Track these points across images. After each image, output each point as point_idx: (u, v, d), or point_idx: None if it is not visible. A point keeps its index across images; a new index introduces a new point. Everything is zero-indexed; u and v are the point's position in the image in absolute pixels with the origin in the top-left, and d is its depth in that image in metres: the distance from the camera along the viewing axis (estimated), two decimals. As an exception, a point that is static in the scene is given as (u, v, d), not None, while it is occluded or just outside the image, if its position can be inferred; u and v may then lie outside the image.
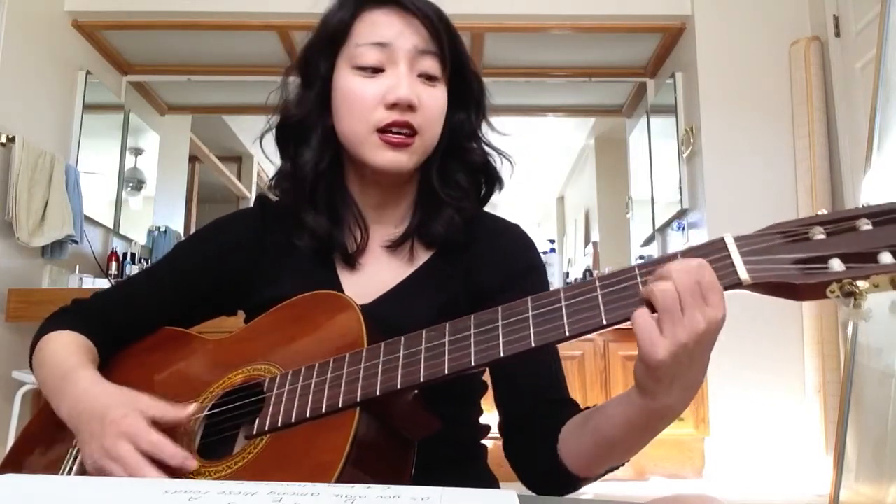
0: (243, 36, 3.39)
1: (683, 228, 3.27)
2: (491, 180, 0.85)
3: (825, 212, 0.54)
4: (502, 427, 0.78)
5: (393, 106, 0.74)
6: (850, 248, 0.50)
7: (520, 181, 5.58)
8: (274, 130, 0.83)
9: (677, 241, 3.36)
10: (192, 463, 0.62)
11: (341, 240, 0.80)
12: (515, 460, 0.75)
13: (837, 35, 2.80)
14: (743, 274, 0.51)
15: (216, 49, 3.59)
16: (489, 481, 0.81)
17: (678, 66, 3.40)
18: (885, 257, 0.48)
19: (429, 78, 0.76)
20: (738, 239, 0.53)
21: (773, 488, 2.69)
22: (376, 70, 0.75)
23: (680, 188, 3.27)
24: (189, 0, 3.25)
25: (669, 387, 0.54)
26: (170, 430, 0.64)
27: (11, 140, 2.73)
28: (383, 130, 0.74)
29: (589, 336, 3.29)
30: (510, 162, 0.86)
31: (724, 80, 3.11)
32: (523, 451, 0.74)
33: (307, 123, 0.80)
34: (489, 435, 0.85)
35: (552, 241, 4.27)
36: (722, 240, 0.53)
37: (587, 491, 0.73)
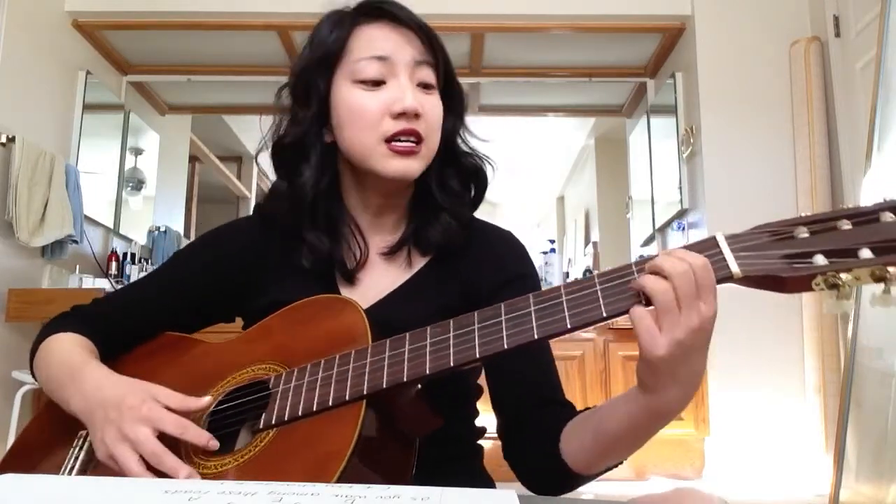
0: (243, 36, 3.39)
1: (683, 228, 3.27)
2: (482, 185, 0.88)
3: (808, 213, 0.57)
4: (501, 429, 0.79)
5: (400, 115, 0.76)
6: (832, 245, 0.54)
7: (520, 181, 5.60)
8: (270, 149, 0.84)
9: (677, 241, 3.35)
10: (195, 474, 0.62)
11: (339, 257, 0.81)
12: (516, 460, 0.77)
13: (837, 35, 2.80)
14: (734, 268, 0.55)
15: (216, 49, 3.59)
16: (485, 480, 0.84)
17: (678, 66, 3.40)
18: (865, 253, 0.52)
19: (426, 87, 0.79)
20: (728, 237, 0.57)
21: (773, 488, 2.69)
22: (377, 82, 0.77)
23: (680, 188, 3.27)
24: (189, 0, 3.25)
25: (670, 383, 0.57)
26: None
27: (11, 140, 2.74)
28: (390, 140, 0.76)
29: (589, 336, 3.28)
30: (492, 166, 0.89)
31: (724, 80, 3.10)
32: (524, 450, 0.75)
33: (306, 142, 0.81)
34: (485, 436, 0.86)
35: (552, 241, 4.27)
36: (714, 238, 0.57)
37: (587, 491, 0.73)
